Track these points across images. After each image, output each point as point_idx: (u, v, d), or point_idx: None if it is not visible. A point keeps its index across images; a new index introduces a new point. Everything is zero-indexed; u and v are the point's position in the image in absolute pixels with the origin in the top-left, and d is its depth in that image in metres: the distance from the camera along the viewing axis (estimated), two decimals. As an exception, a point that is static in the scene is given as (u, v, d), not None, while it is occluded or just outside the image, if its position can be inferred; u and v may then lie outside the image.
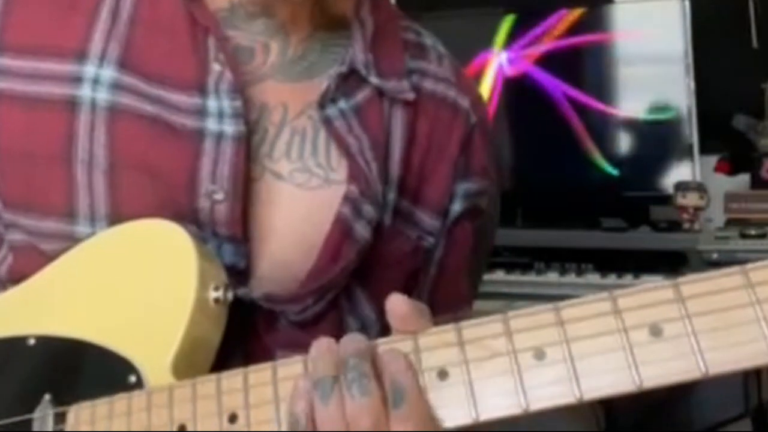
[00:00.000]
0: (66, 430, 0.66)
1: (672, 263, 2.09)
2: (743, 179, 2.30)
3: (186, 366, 0.67)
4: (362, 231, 0.76)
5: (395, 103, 0.81)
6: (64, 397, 0.67)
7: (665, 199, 2.24)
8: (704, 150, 2.28)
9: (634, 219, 2.26)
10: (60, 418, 0.67)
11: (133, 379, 0.67)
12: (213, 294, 0.69)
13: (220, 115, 0.74)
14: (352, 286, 0.78)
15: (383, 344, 0.58)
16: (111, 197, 0.74)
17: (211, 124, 0.73)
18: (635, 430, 1.92)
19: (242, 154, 0.73)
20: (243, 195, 0.74)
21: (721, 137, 2.30)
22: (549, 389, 0.52)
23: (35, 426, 0.67)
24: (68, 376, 0.69)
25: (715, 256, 1.98)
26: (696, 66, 2.27)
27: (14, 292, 0.76)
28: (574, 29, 2.38)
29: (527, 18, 2.43)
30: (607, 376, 0.51)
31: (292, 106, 0.78)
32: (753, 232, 2.03)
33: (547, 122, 2.40)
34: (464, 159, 0.85)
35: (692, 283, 0.51)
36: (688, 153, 2.27)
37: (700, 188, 2.18)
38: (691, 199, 2.17)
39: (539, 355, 0.53)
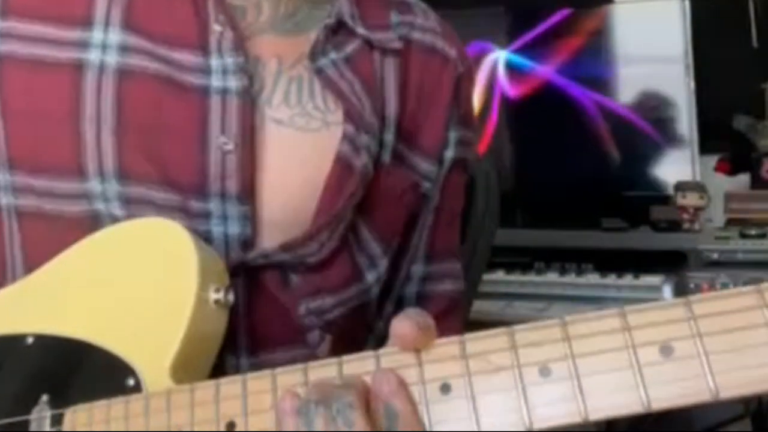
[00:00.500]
0: (63, 431, 0.65)
1: (672, 263, 2.08)
2: (743, 179, 2.30)
3: (185, 369, 0.66)
4: (362, 162, 0.79)
5: (386, 53, 0.84)
6: (62, 398, 0.67)
7: (665, 199, 2.23)
8: (704, 150, 2.27)
9: (634, 219, 2.25)
10: (57, 419, 0.66)
11: (131, 382, 0.66)
12: (213, 295, 0.69)
13: (224, 72, 0.76)
14: (357, 222, 0.81)
15: (385, 355, 0.57)
16: (119, 154, 0.75)
17: (216, 81, 0.76)
18: (635, 430, 1.92)
19: (248, 106, 0.76)
20: (251, 143, 0.76)
21: (721, 137, 2.30)
22: (553, 408, 0.51)
23: (32, 427, 0.67)
24: (66, 376, 0.69)
25: (715, 256, 1.98)
26: (696, 66, 2.26)
27: (13, 289, 0.76)
28: (574, 29, 2.37)
29: (527, 17, 2.42)
30: (614, 395, 0.50)
31: (285, 57, 0.81)
32: (753, 232, 2.02)
33: (546, 121, 2.40)
34: (455, 106, 0.88)
35: (705, 302, 0.50)
36: (688, 153, 2.27)
37: (700, 188, 2.17)
38: (691, 199, 2.16)
39: (544, 371, 0.51)
